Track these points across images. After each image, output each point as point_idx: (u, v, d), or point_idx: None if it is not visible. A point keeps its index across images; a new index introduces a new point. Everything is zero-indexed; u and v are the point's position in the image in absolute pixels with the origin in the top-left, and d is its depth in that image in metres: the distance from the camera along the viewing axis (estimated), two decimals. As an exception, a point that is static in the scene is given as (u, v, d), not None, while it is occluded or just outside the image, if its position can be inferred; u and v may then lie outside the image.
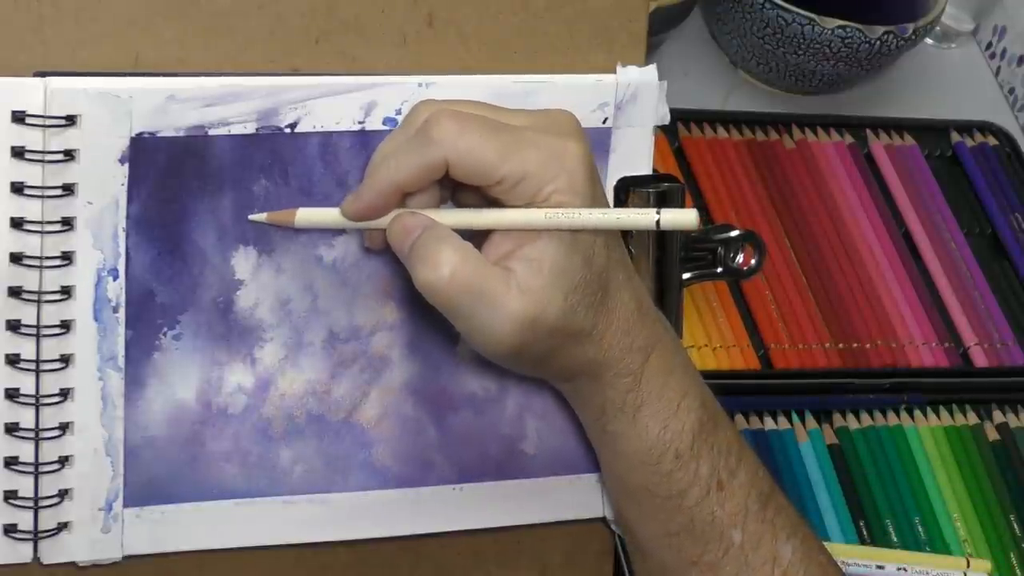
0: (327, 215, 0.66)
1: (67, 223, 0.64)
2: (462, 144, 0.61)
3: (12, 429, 0.65)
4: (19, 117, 0.62)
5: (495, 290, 0.61)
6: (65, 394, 0.65)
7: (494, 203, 0.63)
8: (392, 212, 0.64)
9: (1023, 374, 1.03)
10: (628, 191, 0.71)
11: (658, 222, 0.62)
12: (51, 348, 0.64)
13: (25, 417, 0.65)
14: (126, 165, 0.64)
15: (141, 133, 0.64)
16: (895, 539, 0.92)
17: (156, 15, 0.64)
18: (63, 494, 0.66)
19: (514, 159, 0.61)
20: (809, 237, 1.06)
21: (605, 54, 0.71)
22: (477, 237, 0.63)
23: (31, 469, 0.65)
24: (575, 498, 0.73)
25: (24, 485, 0.65)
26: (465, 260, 0.61)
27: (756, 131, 1.11)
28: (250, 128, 0.65)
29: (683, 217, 0.62)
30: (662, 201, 0.71)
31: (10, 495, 0.65)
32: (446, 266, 0.61)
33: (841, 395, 0.98)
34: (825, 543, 0.71)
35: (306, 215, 0.66)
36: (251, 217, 0.66)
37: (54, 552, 0.66)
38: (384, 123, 0.67)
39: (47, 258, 0.64)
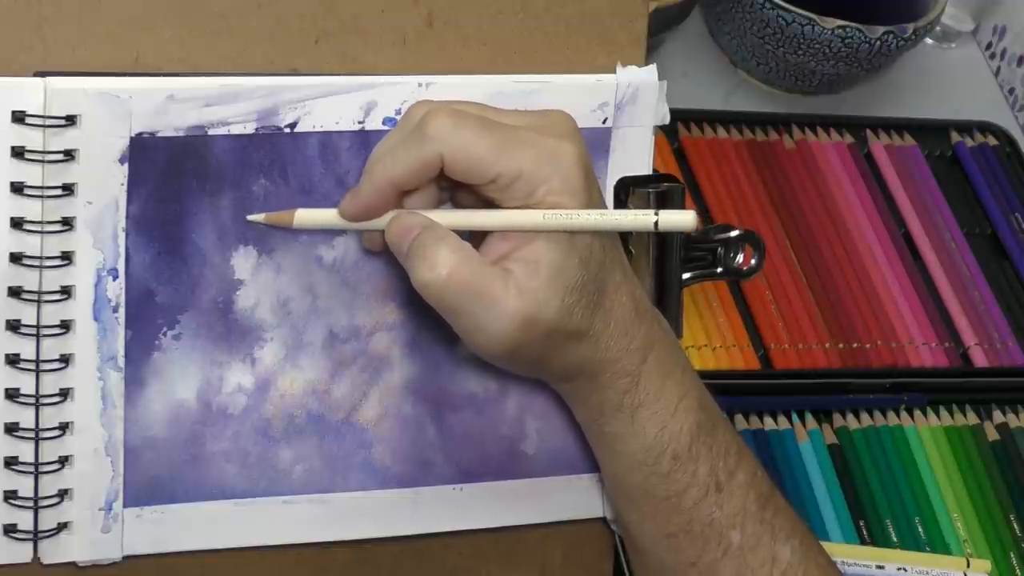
0: (326, 216, 0.66)
1: (67, 223, 0.64)
2: (456, 140, 0.61)
3: (12, 429, 0.65)
4: (19, 117, 0.62)
5: (493, 290, 0.61)
6: (65, 394, 0.65)
7: (490, 205, 0.63)
8: (390, 212, 0.64)
9: (1023, 374, 1.03)
10: (628, 191, 0.71)
11: (656, 223, 0.62)
12: (51, 348, 0.64)
13: (25, 417, 0.65)
14: (126, 165, 0.64)
15: (141, 133, 0.64)
16: (895, 539, 0.92)
17: (156, 15, 0.64)
18: (63, 494, 0.66)
19: (509, 157, 0.61)
20: (809, 237, 1.06)
21: (605, 54, 0.71)
22: (475, 238, 0.63)
23: (31, 469, 0.65)
24: (575, 498, 0.73)
25: (24, 485, 0.65)
26: (463, 260, 0.61)
27: (756, 131, 1.11)
28: (250, 128, 0.65)
29: (681, 219, 0.62)
30: (662, 201, 0.71)
31: (10, 495, 0.65)
32: (444, 266, 0.61)
33: (841, 395, 0.98)
34: (825, 543, 0.71)
35: (304, 216, 0.66)
36: (249, 218, 0.66)
37: (54, 552, 0.66)
38: (384, 123, 0.67)
39: (47, 258, 0.64)
